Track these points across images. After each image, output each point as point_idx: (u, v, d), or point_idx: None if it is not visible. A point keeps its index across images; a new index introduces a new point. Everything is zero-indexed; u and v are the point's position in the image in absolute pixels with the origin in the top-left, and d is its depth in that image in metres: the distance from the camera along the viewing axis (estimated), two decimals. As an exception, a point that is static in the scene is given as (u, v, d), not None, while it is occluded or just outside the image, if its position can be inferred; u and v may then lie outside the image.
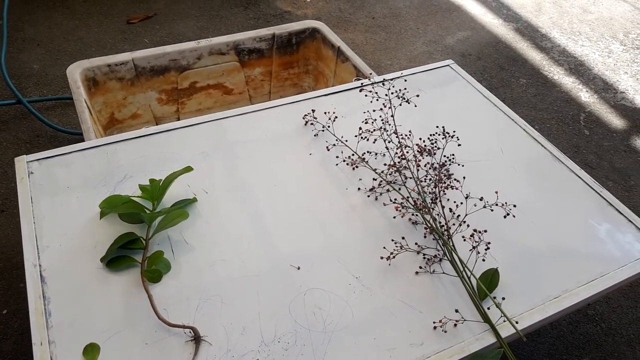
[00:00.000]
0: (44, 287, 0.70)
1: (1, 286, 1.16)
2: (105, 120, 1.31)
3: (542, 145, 1.00)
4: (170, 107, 1.38)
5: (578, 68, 2.08)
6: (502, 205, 0.86)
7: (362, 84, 1.07)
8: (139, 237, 0.75)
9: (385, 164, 0.91)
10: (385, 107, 1.02)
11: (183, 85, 1.36)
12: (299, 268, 0.75)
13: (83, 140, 0.97)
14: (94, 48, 1.92)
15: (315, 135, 0.96)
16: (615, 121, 1.83)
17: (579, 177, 0.94)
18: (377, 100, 1.02)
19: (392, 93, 1.05)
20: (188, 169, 0.83)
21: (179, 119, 1.40)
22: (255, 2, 2.25)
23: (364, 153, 0.93)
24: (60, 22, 2.04)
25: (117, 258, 0.74)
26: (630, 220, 0.88)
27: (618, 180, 1.60)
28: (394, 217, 0.83)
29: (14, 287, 1.16)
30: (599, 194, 0.92)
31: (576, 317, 1.22)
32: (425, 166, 0.91)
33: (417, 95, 1.07)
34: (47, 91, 1.71)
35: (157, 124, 1.38)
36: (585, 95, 1.94)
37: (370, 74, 1.24)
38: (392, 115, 0.98)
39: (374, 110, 1.01)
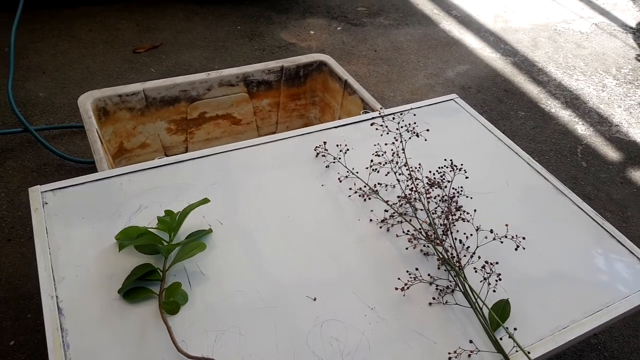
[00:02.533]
0: (61, 319, 0.70)
1: (8, 316, 1.15)
2: (114, 149, 1.32)
3: (545, 178, 1.02)
4: (179, 137, 1.40)
5: (574, 101, 2.12)
6: (512, 237, 0.88)
7: (372, 117, 1.10)
8: (156, 268, 0.76)
9: (398, 196, 0.93)
10: (396, 140, 1.04)
11: (192, 115, 1.38)
12: (315, 299, 0.76)
13: (90, 168, 0.98)
14: (100, 77, 1.94)
15: (326, 167, 0.98)
16: (611, 153, 1.87)
17: (582, 209, 0.97)
18: (388, 133, 1.05)
19: (401, 127, 1.08)
20: (205, 200, 0.84)
21: (187, 149, 1.41)
22: (260, 33, 2.29)
23: (375, 185, 0.95)
24: (65, 51, 2.06)
25: (134, 289, 0.74)
26: (631, 252, 0.90)
27: (615, 211, 1.63)
28: (406, 248, 0.85)
29: (22, 318, 1.15)
30: (601, 225, 0.94)
31: (580, 346, 1.23)
32: (435, 198, 0.93)
33: (428, 130, 1.09)
34: (54, 119, 1.72)
35: (165, 154, 1.40)
36: (581, 128, 1.98)
37: (381, 108, 1.26)
38: (403, 149, 1.00)
39: (385, 144, 1.04)
